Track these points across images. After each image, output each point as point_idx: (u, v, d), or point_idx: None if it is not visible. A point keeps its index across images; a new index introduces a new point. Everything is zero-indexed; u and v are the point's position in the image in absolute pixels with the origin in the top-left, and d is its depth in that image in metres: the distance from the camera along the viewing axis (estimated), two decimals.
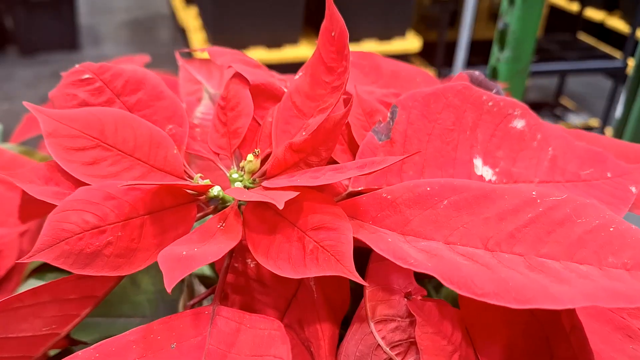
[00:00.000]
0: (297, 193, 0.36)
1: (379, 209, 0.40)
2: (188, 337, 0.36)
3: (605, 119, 2.67)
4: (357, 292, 0.44)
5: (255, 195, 0.36)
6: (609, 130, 2.74)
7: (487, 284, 0.31)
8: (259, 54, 2.27)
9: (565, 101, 3.02)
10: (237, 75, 0.49)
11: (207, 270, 0.56)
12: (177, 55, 0.64)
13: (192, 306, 0.44)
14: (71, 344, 0.48)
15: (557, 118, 2.86)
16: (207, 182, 0.43)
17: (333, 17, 0.44)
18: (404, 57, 2.51)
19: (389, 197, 0.41)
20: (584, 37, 2.88)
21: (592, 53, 2.66)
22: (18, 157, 0.69)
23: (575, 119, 2.85)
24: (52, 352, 0.49)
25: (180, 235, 0.39)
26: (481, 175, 0.47)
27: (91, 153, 0.41)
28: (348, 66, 0.43)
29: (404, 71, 0.58)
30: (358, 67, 0.58)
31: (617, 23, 2.81)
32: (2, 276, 0.61)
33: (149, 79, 0.45)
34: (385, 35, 2.43)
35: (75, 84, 0.44)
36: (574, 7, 2.87)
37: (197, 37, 2.41)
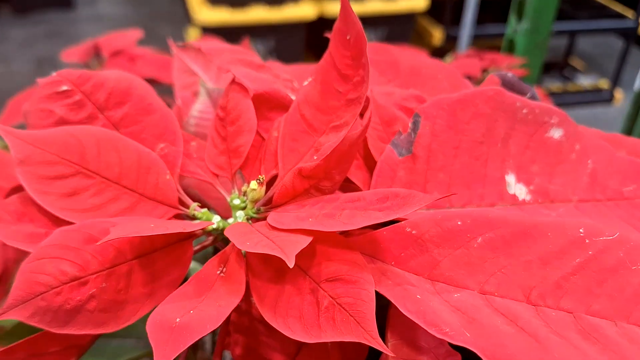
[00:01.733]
0: (310, 239, 0.31)
1: (403, 247, 0.35)
2: None
3: (615, 80, 2.59)
4: None
5: (260, 245, 0.30)
6: (618, 92, 2.67)
7: None
8: (260, 12, 2.19)
9: (574, 61, 2.93)
10: (238, 81, 0.43)
11: None
12: (171, 44, 0.58)
13: (191, 348, 0.39)
14: None
15: (566, 79, 2.78)
16: (204, 212, 0.38)
17: (348, 19, 0.37)
18: (410, 16, 2.43)
19: (414, 232, 0.35)
20: None
21: (604, 12, 2.57)
22: (1, 153, 0.63)
23: (585, 80, 2.77)
24: None
25: (173, 282, 0.34)
26: (514, 195, 0.42)
27: (70, 182, 0.35)
28: (366, 77, 0.37)
29: (425, 67, 0.52)
30: (373, 63, 0.52)
31: None
32: None
33: (135, 89, 0.39)
34: None
35: (52, 98, 0.38)
36: None
37: None
